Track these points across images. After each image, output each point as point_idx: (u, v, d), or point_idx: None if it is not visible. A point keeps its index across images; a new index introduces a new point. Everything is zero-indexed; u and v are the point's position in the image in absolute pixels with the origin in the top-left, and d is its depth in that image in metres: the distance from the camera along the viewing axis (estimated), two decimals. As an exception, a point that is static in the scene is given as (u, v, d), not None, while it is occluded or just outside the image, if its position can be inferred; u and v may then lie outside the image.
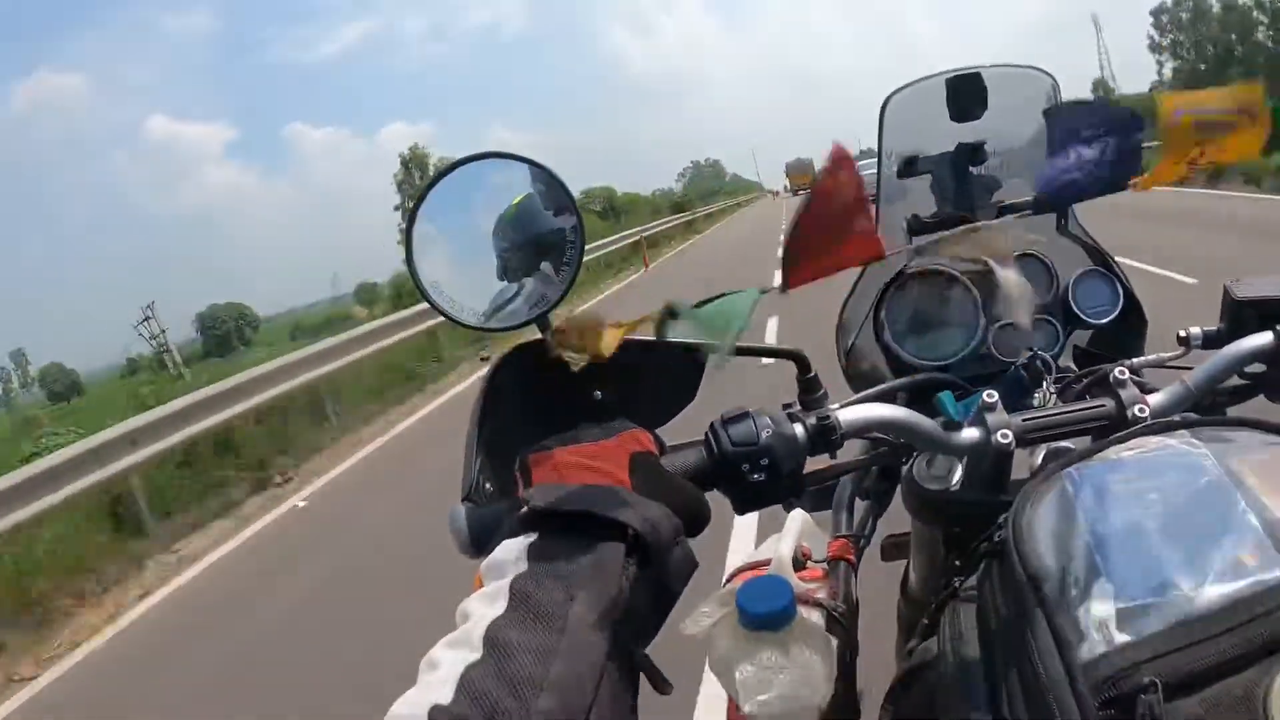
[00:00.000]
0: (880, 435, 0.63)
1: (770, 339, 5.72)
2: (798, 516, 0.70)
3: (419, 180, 31.32)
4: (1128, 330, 0.86)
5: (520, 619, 0.38)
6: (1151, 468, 0.47)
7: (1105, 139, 0.49)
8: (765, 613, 0.57)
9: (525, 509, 0.44)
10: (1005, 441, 0.60)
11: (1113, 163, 0.49)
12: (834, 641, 0.61)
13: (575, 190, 0.63)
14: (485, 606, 0.40)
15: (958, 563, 0.49)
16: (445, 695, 0.35)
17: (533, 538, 0.43)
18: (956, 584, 0.49)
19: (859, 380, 0.85)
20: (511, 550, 0.43)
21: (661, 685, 0.44)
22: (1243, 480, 0.43)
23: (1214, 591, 0.38)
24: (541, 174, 0.57)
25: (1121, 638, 0.38)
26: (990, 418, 0.61)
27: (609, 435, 0.51)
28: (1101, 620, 0.39)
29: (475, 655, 0.37)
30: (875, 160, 0.92)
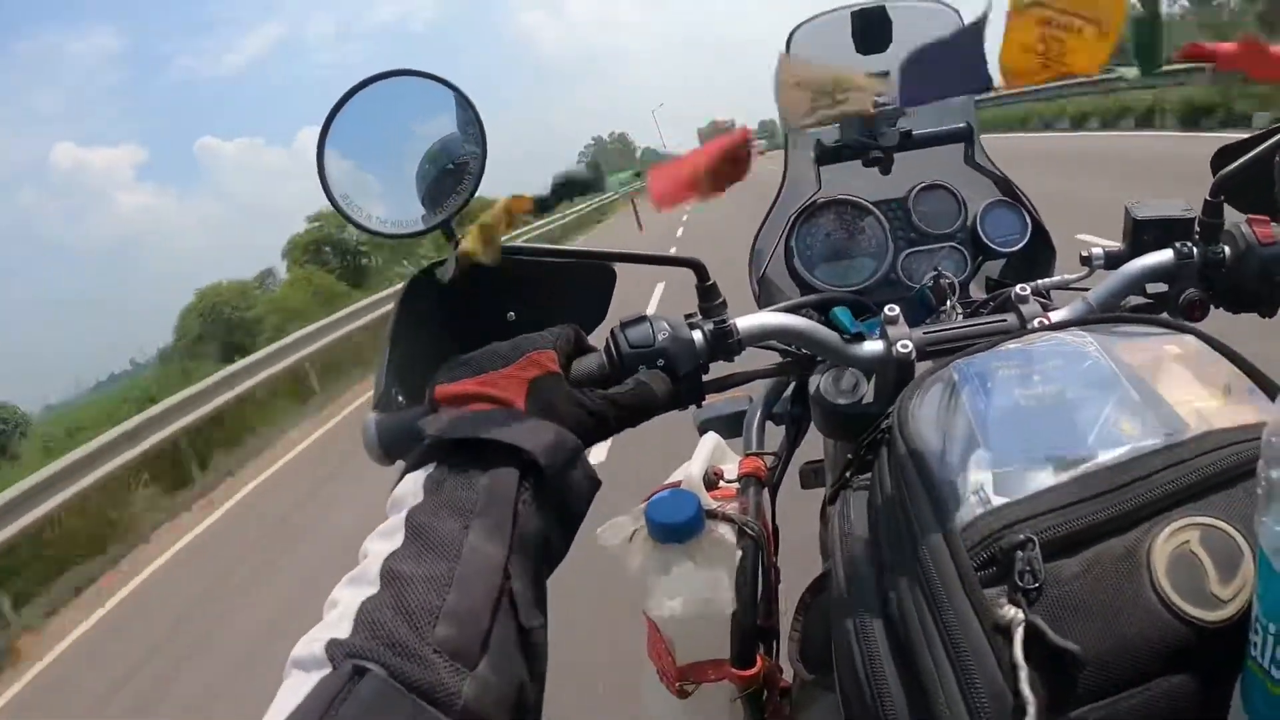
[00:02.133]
0: (780, 345, 0.63)
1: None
2: (710, 439, 0.71)
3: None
4: (1036, 259, 0.88)
5: (416, 551, 0.38)
6: (1037, 356, 0.48)
7: (954, 47, 0.50)
8: (672, 523, 0.58)
9: (424, 441, 0.44)
10: (905, 351, 0.61)
11: (962, 68, 0.50)
12: (744, 555, 0.62)
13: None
14: (383, 542, 0.40)
15: (849, 456, 0.50)
16: (343, 630, 0.35)
17: (430, 469, 0.43)
18: (848, 475, 0.49)
19: None
20: (410, 484, 0.43)
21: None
22: (1125, 362, 0.45)
23: (1093, 457, 0.39)
24: (456, 95, 0.58)
25: (999, 499, 0.39)
26: (891, 330, 0.62)
27: (515, 355, 0.50)
28: (979, 485, 0.40)
29: (373, 590, 0.37)
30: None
